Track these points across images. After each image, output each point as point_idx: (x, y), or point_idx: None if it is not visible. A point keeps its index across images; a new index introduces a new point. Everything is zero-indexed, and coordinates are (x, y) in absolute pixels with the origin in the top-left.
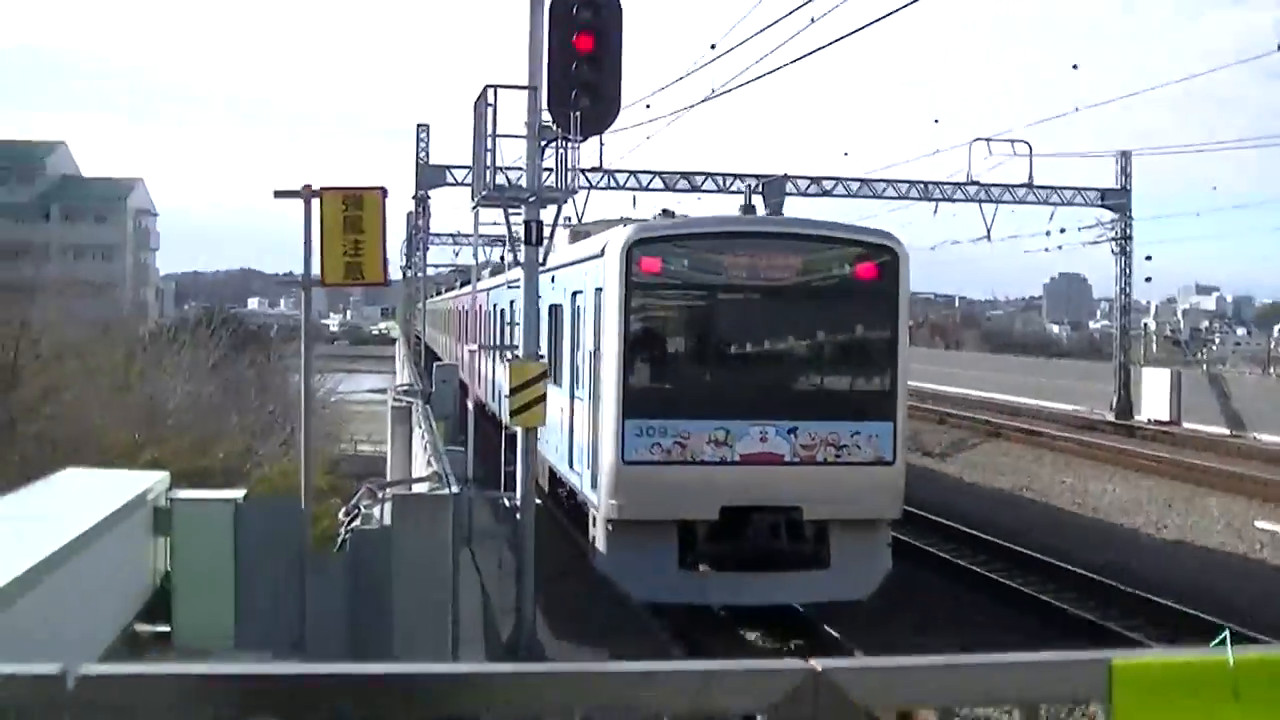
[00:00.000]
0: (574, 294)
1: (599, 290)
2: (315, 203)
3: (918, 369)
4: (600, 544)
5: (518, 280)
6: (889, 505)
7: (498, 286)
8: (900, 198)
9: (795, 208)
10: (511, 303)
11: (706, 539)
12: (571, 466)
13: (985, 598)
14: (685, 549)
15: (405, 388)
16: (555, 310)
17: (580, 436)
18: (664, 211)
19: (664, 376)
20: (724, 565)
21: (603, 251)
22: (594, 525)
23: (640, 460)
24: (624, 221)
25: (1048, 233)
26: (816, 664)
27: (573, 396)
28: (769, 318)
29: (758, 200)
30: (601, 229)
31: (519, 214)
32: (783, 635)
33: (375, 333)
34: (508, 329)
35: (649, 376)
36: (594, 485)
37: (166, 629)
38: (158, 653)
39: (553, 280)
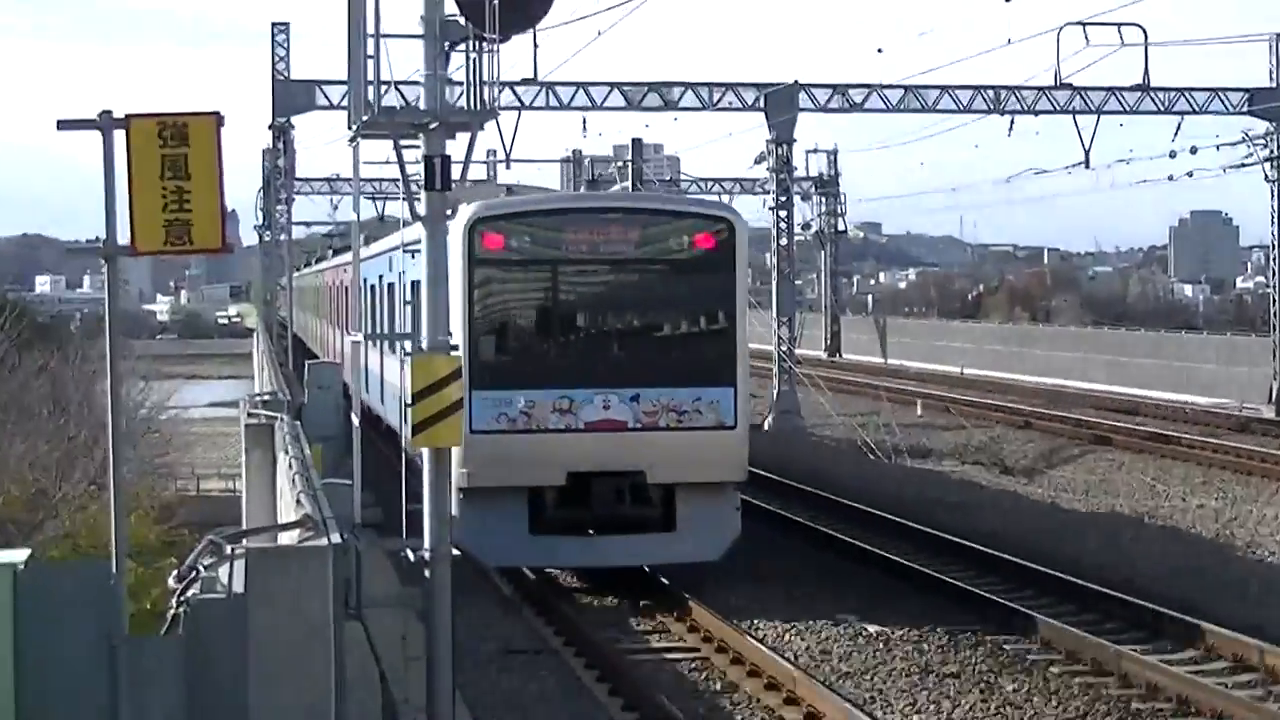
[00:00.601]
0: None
1: (440, 269)
2: (119, 135)
3: (990, 352)
4: (454, 513)
5: (416, 243)
6: (732, 469)
7: (387, 252)
8: (961, 110)
9: (813, 127)
10: (404, 274)
11: (555, 504)
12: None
13: (1097, 676)
14: (535, 514)
15: (266, 398)
16: (416, 285)
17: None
18: (508, 189)
19: (509, 348)
20: (573, 529)
21: (446, 235)
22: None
23: (488, 429)
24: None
25: (1173, 154)
26: None
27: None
28: (609, 289)
29: (760, 117)
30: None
31: (416, 147)
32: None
33: (224, 321)
34: (405, 310)
35: (494, 349)
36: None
37: None
38: None
39: (413, 256)
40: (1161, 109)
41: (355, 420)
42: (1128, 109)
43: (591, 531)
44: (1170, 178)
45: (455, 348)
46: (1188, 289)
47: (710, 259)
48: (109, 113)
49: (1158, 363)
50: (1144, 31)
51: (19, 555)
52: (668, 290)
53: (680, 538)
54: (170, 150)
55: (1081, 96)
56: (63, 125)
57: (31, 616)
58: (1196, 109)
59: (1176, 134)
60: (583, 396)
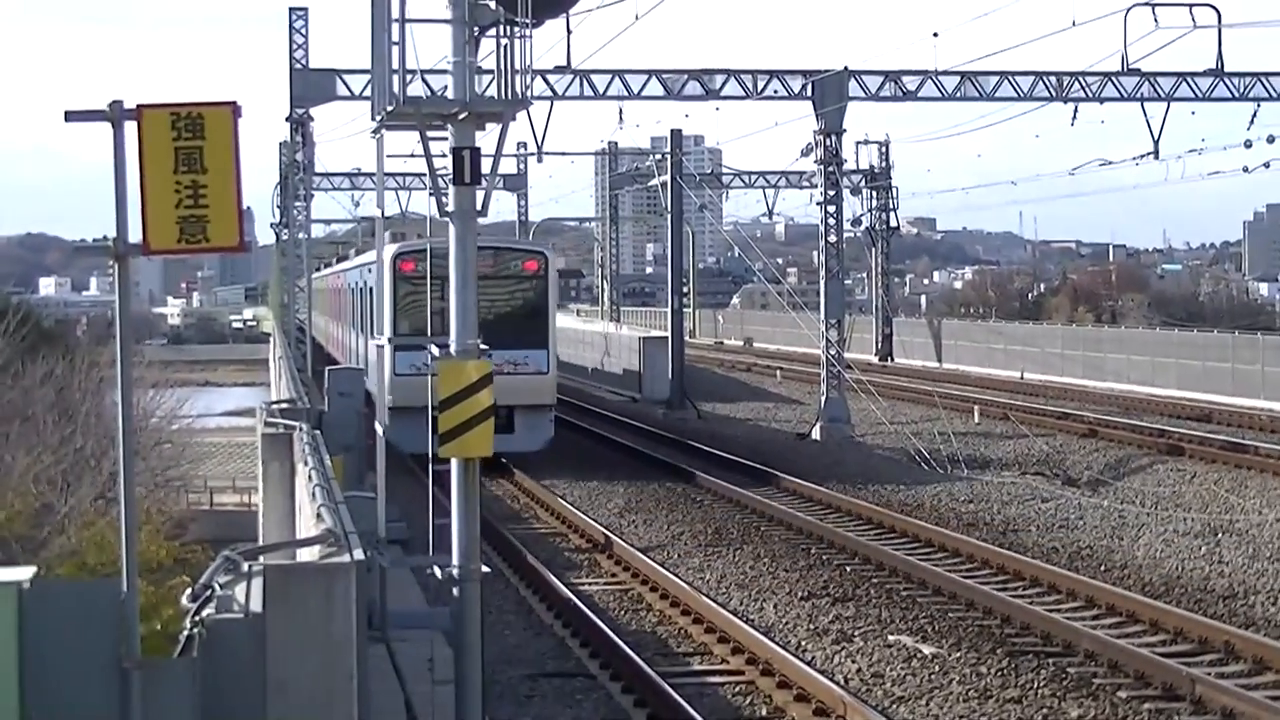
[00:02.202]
0: (375, 280)
1: (380, 281)
2: (130, 127)
3: (1052, 355)
4: (385, 422)
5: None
6: (547, 397)
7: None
8: (1021, 98)
9: (863, 117)
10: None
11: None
12: (378, 376)
13: None
14: (433, 422)
15: (284, 406)
16: (371, 290)
17: (382, 358)
18: (418, 235)
19: (415, 328)
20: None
21: (380, 259)
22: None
23: (404, 373)
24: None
25: (1248, 143)
26: None
27: (379, 344)
28: (487, 298)
29: (807, 107)
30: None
31: (444, 139)
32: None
33: (238, 325)
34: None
35: (407, 328)
36: (380, 388)
37: None
38: None
39: (369, 269)
40: (1236, 95)
41: (380, 429)
42: (1200, 95)
43: None
44: (1245, 169)
45: (487, 351)
46: (1264, 288)
47: (533, 275)
48: (120, 103)
49: (1232, 366)
50: (1217, 12)
51: (24, 573)
52: (509, 294)
53: (517, 436)
54: (185, 143)
55: (1150, 82)
56: (71, 116)
57: (38, 638)
58: (1274, 95)
59: (1252, 122)
60: None
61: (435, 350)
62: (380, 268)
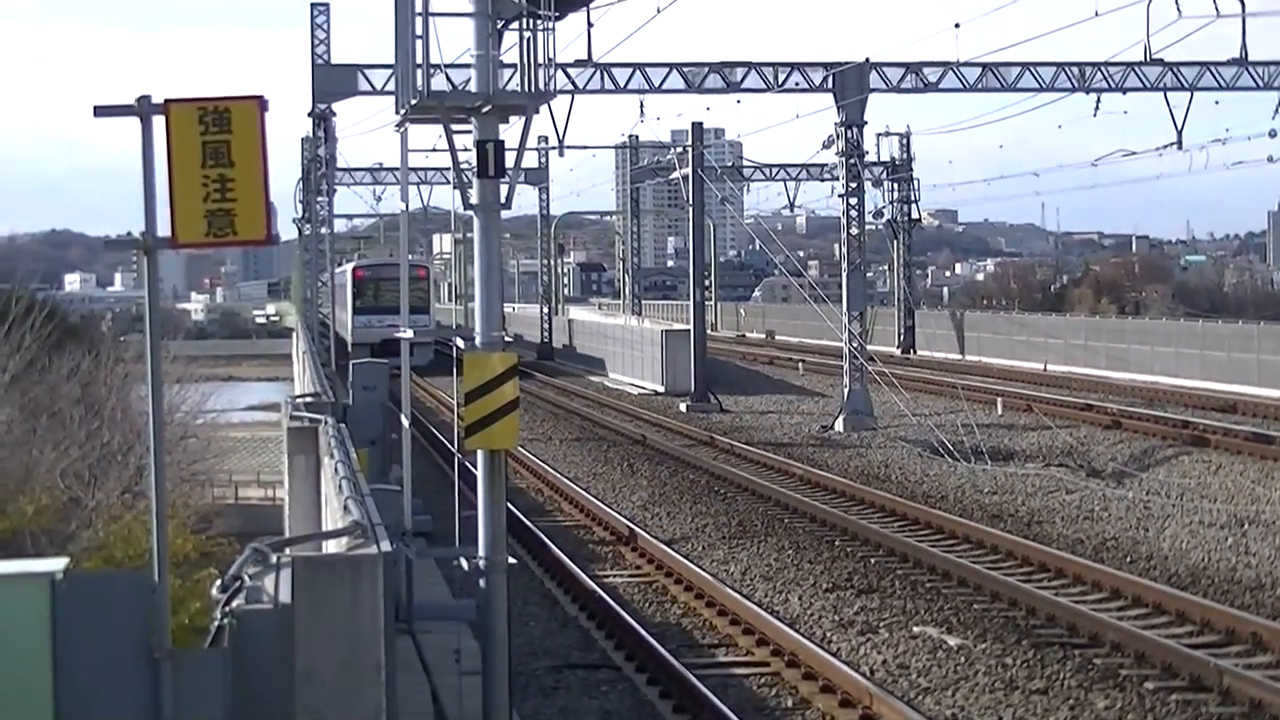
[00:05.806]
0: (345, 281)
1: (346, 282)
2: (158, 122)
3: (1075, 347)
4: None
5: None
6: (428, 337)
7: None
8: (1043, 89)
9: (884, 109)
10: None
11: (378, 347)
12: (348, 331)
13: None
14: (375, 349)
15: (308, 400)
16: (345, 286)
17: (349, 320)
18: (367, 256)
19: (366, 306)
20: (382, 354)
21: (346, 271)
22: (349, 347)
23: (361, 326)
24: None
25: (1273, 133)
26: None
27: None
28: (394, 288)
29: (828, 99)
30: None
31: (468, 132)
32: None
33: (262, 320)
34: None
35: (363, 306)
36: (349, 333)
37: None
38: None
39: (345, 274)
40: (1260, 85)
41: (405, 422)
42: (1224, 85)
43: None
44: (1270, 159)
45: (511, 343)
46: None
47: (422, 278)
48: (147, 98)
49: (1257, 357)
50: (1241, 1)
51: (57, 565)
52: (414, 289)
53: (415, 358)
54: (212, 137)
55: (1173, 72)
56: (100, 111)
57: (70, 629)
58: None
59: (1277, 111)
60: (385, 318)
61: (461, 343)
62: (346, 276)
